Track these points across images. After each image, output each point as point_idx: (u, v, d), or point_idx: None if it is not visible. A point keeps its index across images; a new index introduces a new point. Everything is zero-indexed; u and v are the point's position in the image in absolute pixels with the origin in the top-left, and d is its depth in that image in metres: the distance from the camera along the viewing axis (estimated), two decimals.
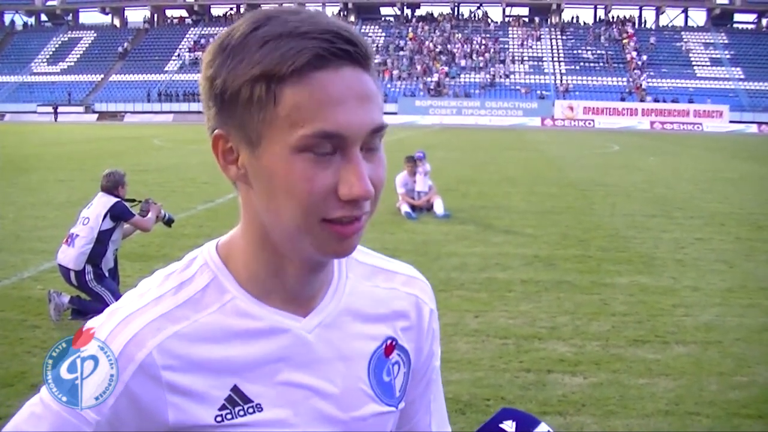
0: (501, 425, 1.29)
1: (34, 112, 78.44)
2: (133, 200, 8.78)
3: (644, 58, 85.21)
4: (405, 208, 14.97)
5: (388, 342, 1.40)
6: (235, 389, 1.24)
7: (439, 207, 15.01)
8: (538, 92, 79.94)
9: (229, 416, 1.23)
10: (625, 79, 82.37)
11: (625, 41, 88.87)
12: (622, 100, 77.56)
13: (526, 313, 8.43)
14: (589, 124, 73.45)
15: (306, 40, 1.14)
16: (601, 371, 6.68)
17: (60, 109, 79.13)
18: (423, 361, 1.49)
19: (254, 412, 1.25)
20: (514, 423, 1.29)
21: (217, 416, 1.23)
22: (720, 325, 8.13)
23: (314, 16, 1.19)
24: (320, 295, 1.34)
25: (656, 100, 77.01)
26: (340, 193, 1.15)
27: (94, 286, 8.17)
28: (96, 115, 78.95)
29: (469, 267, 10.56)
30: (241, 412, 1.24)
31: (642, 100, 77.41)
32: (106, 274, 8.35)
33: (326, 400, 1.31)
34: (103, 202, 8.39)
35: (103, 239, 8.27)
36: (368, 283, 1.41)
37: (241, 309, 1.26)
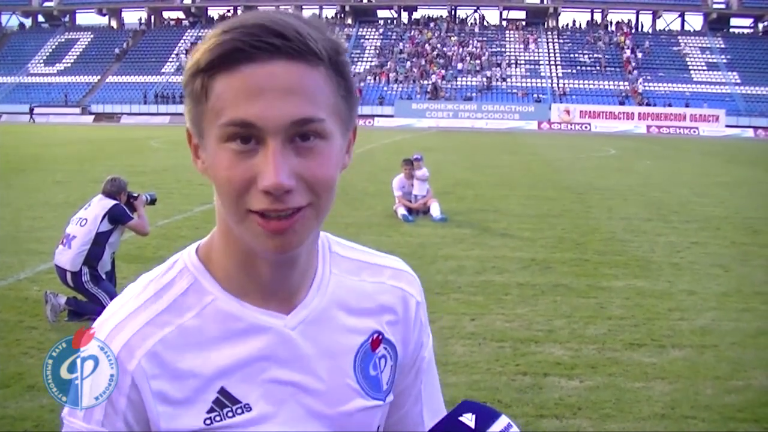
0: (460, 418, 1.28)
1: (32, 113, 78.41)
2: (136, 197, 8.77)
3: (641, 62, 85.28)
4: (402, 210, 14.96)
5: (375, 336, 1.40)
6: (222, 391, 1.25)
7: (435, 210, 15.00)
8: (535, 96, 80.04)
9: (218, 418, 1.24)
10: (621, 83, 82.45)
11: (621, 45, 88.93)
12: (621, 104, 77.61)
13: (523, 316, 8.43)
14: (586, 127, 73.54)
15: (231, 34, 1.15)
16: (598, 374, 6.68)
17: (56, 110, 79.12)
18: (411, 353, 1.49)
19: (243, 412, 1.25)
20: (474, 416, 1.28)
21: (206, 419, 1.24)
22: (716, 329, 8.13)
23: (261, 13, 1.19)
24: (303, 292, 1.33)
25: (649, 104, 77.05)
26: (259, 183, 1.15)
27: (91, 288, 8.16)
28: (92, 117, 78.87)
29: (465, 270, 10.56)
30: (230, 413, 1.25)
31: (640, 104, 77.47)
32: (103, 277, 8.34)
33: (312, 397, 1.31)
34: (102, 204, 8.38)
35: (100, 241, 8.26)
36: (354, 278, 1.41)
37: (222, 310, 1.27)
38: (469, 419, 1.27)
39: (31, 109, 76.18)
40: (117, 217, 8.36)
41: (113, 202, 8.40)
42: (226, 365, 1.25)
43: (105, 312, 1.27)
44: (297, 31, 1.16)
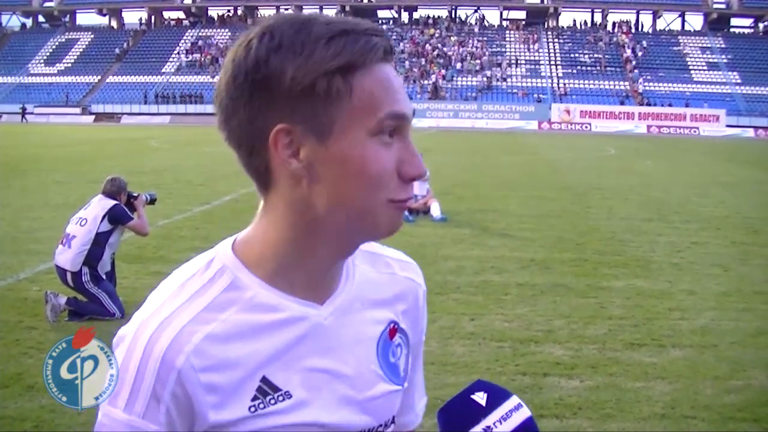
0: (473, 396, 1.34)
1: (32, 113, 78.25)
2: (135, 196, 8.77)
3: (641, 62, 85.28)
4: None
5: (392, 326, 1.48)
6: (265, 380, 1.30)
7: (435, 210, 15.01)
8: (535, 96, 79.92)
9: (261, 406, 1.29)
10: (622, 83, 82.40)
11: (622, 45, 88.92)
12: (621, 104, 77.59)
13: (523, 316, 8.43)
14: (586, 127, 73.46)
15: (371, 36, 1.26)
16: (598, 374, 6.69)
17: (57, 110, 79.06)
18: (417, 340, 1.58)
19: (284, 399, 1.31)
20: (486, 395, 1.34)
21: (250, 407, 1.28)
22: (716, 328, 8.14)
23: (353, 18, 1.31)
24: (335, 284, 1.40)
25: (649, 104, 77.07)
26: (403, 173, 1.28)
27: (91, 288, 8.16)
28: (93, 117, 78.80)
29: (465, 270, 10.57)
30: (272, 401, 1.30)
31: (641, 104, 77.47)
32: (103, 277, 8.34)
33: (344, 383, 1.37)
34: (102, 204, 8.39)
35: (100, 241, 8.27)
36: (371, 269, 1.49)
37: (263, 303, 1.31)
38: (480, 398, 1.34)
39: (24, 109, 75.99)
40: (117, 218, 8.37)
41: (113, 202, 8.41)
42: (267, 355, 1.30)
43: (144, 311, 1.30)
44: None
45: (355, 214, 1.28)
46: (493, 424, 1.32)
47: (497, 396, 1.35)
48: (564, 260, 11.34)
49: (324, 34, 1.23)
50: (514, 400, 1.35)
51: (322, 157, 1.25)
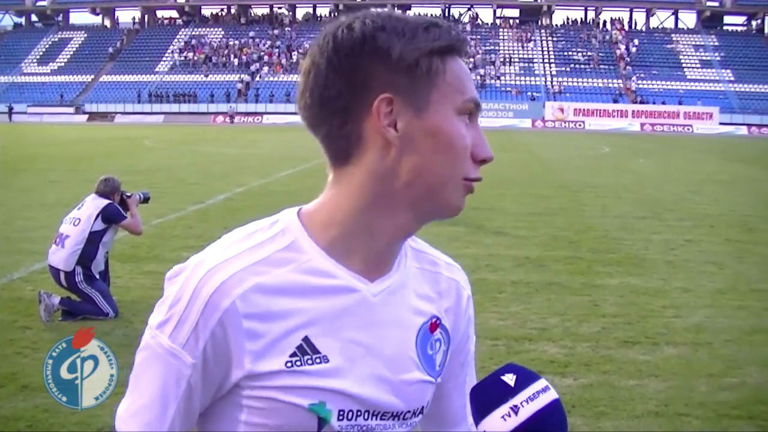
0: (502, 377, 1.40)
1: (25, 113, 78.14)
2: (129, 195, 8.76)
3: (634, 59, 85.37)
4: None
5: (433, 320, 1.52)
6: (306, 340, 1.35)
7: None
8: (529, 94, 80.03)
9: (298, 363, 1.34)
10: (615, 81, 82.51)
11: (615, 43, 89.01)
12: (615, 101, 77.68)
13: (517, 314, 8.44)
14: (580, 125, 73.58)
15: (458, 32, 1.40)
16: (591, 372, 6.69)
17: (50, 109, 78.95)
18: (459, 342, 1.60)
19: (320, 362, 1.35)
20: (515, 376, 1.40)
21: (287, 362, 1.33)
22: (710, 326, 8.15)
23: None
24: (388, 266, 1.46)
25: (643, 102, 77.17)
26: (477, 154, 1.39)
27: (84, 288, 8.14)
28: (86, 116, 78.69)
29: None
30: (309, 361, 1.34)
31: (634, 102, 77.56)
32: (97, 277, 8.32)
33: (380, 360, 1.42)
34: (95, 203, 8.37)
35: (94, 240, 8.25)
36: (419, 264, 1.55)
37: (317, 268, 1.38)
38: (510, 379, 1.39)
39: (10, 109, 75.83)
40: (110, 217, 8.35)
41: (106, 201, 8.39)
42: (312, 316, 1.35)
43: (203, 253, 1.37)
44: None
45: (434, 186, 1.37)
46: (520, 403, 1.37)
47: (525, 378, 1.40)
48: (558, 258, 11.35)
49: (420, 23, 1.37)
50: (542, 383, 1.40)
51: (416, 128, 1.35)
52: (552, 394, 1.38)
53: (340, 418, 1.37)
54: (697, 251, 12.17)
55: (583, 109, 75.79)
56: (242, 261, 1.34)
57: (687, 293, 9.48)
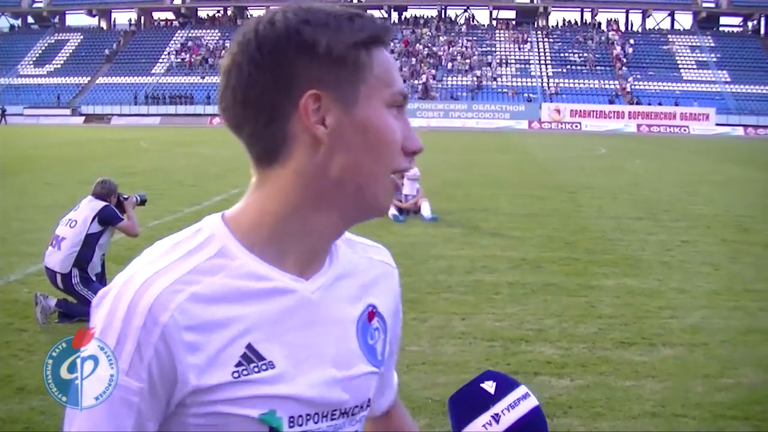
0: (482, 385, 1.39)
1: (21, 115, 78.10)
2: (126, 198, 8.76)
3: (630, 61, 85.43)
4: (392, 210, 14.92)
5: (370, 309, 1.50)
6: (250, 347, 1.30)
7: (426, 210, 15.01)
8: (525, 95, 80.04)
9: (245, 372, 1.29)
10: (611, 82, 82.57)
11: (611, 44, 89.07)
12: (611, 103, 77.73)
13: (513, 315, 8.44)
14: (576, 126, 73.60)
15: (383, 22, 1.38)
16: (588, 373, 6.70)
17: (47, 111, 78.89)
18: (394, 322, 1.59)
19: (267, 369, 1.31)
20: (495, 383, 1.39)
21: (233, 372, 1.28)
22: (706, 327, 8.16)
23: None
24: (321, 261, 1.43)
25: (639, 103, 77.23)
26: (409, 146, 1.39)
27: (81, 290, 8.14)
28: (83, 118, 78.65)
29: (456, 270, 10.57)
30: (256, 369, 1.30)
31: (630, 103, 77.60)
32: (93, 279, 8.32)
33: (326, 359, 1.38)
34: (91, 206, 8.36)
35: (90, 242, 8.24)
36: (351, 253, 1.52)
37: (250, 272, 1.33)
38: (489, 386, 1.39)
39: (3, 111, 75.70)
40: (107, 219, 8.35)
41: (103, 203, 8.38)
42: (253, 322, 1.30)
43: (128, 270, 1.31)
44: None
45: (364, 184, 1.34)
46: (501, 411, 1.36)
47: (506, 385, 1.39)
48: (554, 259, 11.36)
49: (343, 14, 1.33)
50: (522, 390, 1.39)
51: (346, 124, 1.32)
52: (532, 401, 1.37)
53: (291, 424, 1.33)
54: (692, 252, 12.18)
55: (580, 111, 75.80)
56: (173, 272, 1.28)
57: (683, 294, 9.50)
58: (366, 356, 1.46)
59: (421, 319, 8.20)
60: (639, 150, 41.09)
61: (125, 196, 8.76)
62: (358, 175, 1.33)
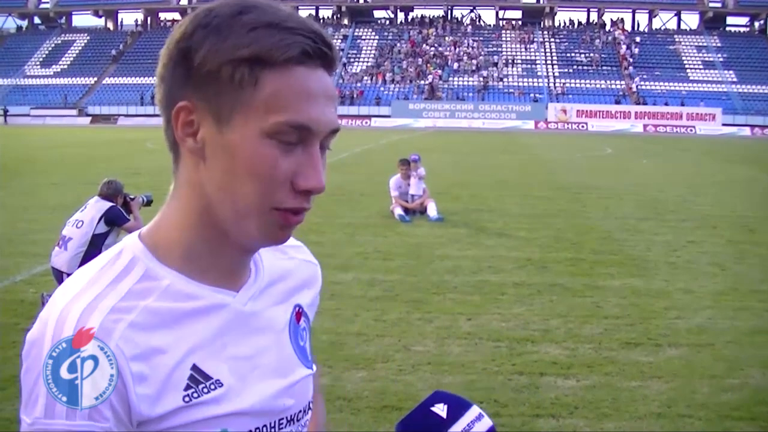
0: (432, 408, 1.32)
1: (27, 115, 78.27)
2: (132, 198, 8.77)
3: (637, 61, 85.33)
4: (398, 211, 14.96)
5: (297, 309, 1.49)
6: (195, 368, 1.26)
7: (432, 210, 15.01)
8: (532, 95, 80.00)
9: (195, 395, 1.25)
10: (618, 82, 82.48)
11: (618, 44, 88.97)
12: (617, 103, 77.65)
13: (519, 315, 8.44)
14: (583, 127, 73.57)
15: (294, 34, 1.21)
16: (594, 374, 6.69)
17: (53, 112, 79.04)
18: (313, 315, 1.59)
19: (216, 388, 1.27)
20: (446, 406, 1.32)
21: (184, 396, 1.24)
22: (712, 327, 8.15)
23: (296, 14, 1.26)
24: (246, 271, 1.39)
25: (645, 103, 77.12)
26: (297, 183, 1.23)
27: None
28: (89, 119, 78.79)
29: (461, 270, 10.57)
30: (205, 390, 1.26)
31: (637, 103, 77.51)
32: None
33: (268, 369, 1.36)
34: (98, 206, 8.37)
35: (96, 243, 8.25)
36: (275, 257, 1.48)
37: (180, 291, 1.28)
38: (441, 409, 1.31)
39: (5, 111, 75.83)
40: (113, 219, 8.36)
41: (109, 204, 8.40)
42: (193, 342, 1.27)
43: (57, 304, 1.23)
44: (333, 42, 1.27)
45: (236, 213, 1.25)
46: None
47: (458, 407, 1.33)
48: (560, 260, 11.35)
49: (251, 23, 1.21)
50: (474, 411, 1.32)
51: (216, 142, 1.24)
52: (487, 422, 1.31)
53: None
54: (699, 252, 12.16)
55: (586, 111, 75.77)
56: (106, 301, 1.22)
57: (689, 294, 9.48)
58: (300, 359, 1.45)
59: (427, 319, 8.20)
60: (645, 150, 41.03)
61: (131, 197, 8.77)
62: (231, 201, 1.24)
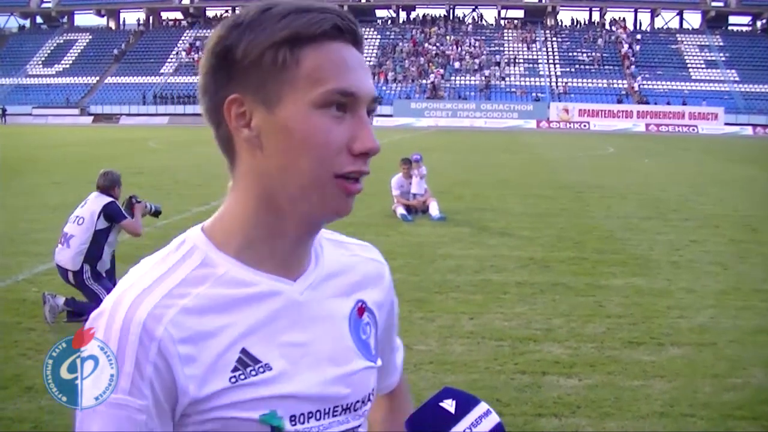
0: (441, 404, 1.36)
1: (30, 114, 78.34)
2: (138, 201, 8.79)
3: (639, 60, 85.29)
4: (400, 210, 14.96)
5: (359, 305, 1.51)
6: (244, 351, 1.31)
7: (434, 209, 14.99)
8: (534, 95, 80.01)
9: (242, 377, 1.30)
10: (620, 81, 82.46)
11: (620, 43, 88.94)
12: (620, 102, 77.63)
13: (522, 315, 8.43)
14: (585, 126, 73.54)
15: (324, 13, 1.32)
16: (596, 373, 6.69)
17: (55, 111, 79.10)
18: (387, 314, 1.61)
19: (264, 371, 1.32)
20: (455, 402, 1.36)
21: (231, 378, 1.30)
22: (714, 326, 8.14)
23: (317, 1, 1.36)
24: (305, 263, 1.44)
25: (647, 103, 77.11)
26: (354, 147, 1.31)
27: (91, 284, 8.18)
28: (91, 118, 78.84)
29: (464, 269, 10.57)
30: (253, 372, 1.31)
31: (639, 103, 77.48)
32: (103, 275, 8.34)
33: (322, 357, 1.40)
34: (98, 201, 8.38)
35: (98, 239, 8.26)
36: (338, 253, 1.54)
37: (235, 278, 1.35)
38: (449, 405, 1.36)
39: (3, 110, 75.88)
40: (111, 215, 8.35)
41: (108, 199, 8.40)
42: (244, 328, 1.32)
43: (116, 291, 1.32)
44: (357, 23, 1.39)
45: (304, 186, 1.31)
46: (463, 431, 1.34)
47: (466, 403, 1.37)
48: (563, 259, 11.34)
49: (281, 12, 1.30)
50: (483, 407, 1.37)
51: (270, 125, 1.31)
52: (494, 418, 1.36)
53: (293, 423, 1.34)
54: (701, 252, 12.15)
55: (588, 110, 75.74)
56: (162, 287, 1.30)
57: (691, 294, 9.47)
58: (361, 351, 1.47)
59: (429, 318, 8.20)
60: (647, 149, 41.02)
61: (138, 200, 8.78)
62: (297, 177, 1.31)
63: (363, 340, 1.49)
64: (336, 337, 1.43)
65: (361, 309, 1.51)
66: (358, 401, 1.45)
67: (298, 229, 1.37)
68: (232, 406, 1.29)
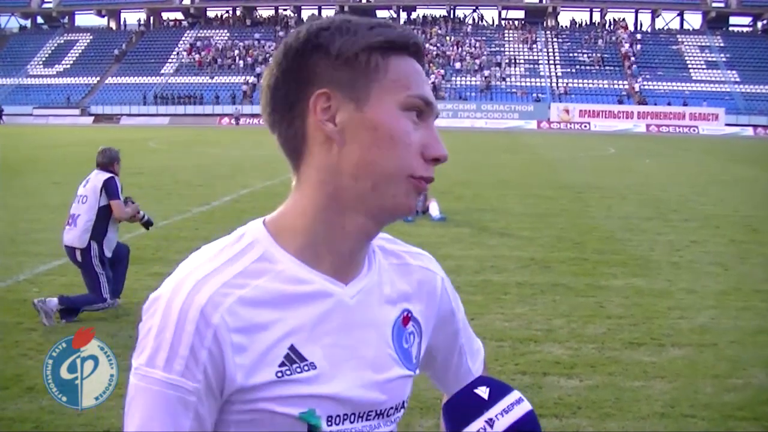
0: (475, 390, 1.42)
1: (30, 115, 78.34)
2: (133, 202, 8.84)
3: (639, 60, 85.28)
4: None
5: (405, 314, 1.54)
6: (292, 348, 1.36)
7: (434, 210, 14.99)
8: (534, 95, 79.97)
9: (288, 372, 1.34)
10: (620, 82, 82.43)
11: (620, 43, 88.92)
12: (620, 103, 77.61)
13: (522, 315, 8.43)
14: (585, 127, 73.53)
15: (407, 31, 1.43)
16: (597, 374, 6.69)
17: (56, 111, 79.10)
18: (437, 323, 1.65)
19: (309, 369, 1.36)
20: (488, 389, 1.42)
21: (277, 372, 1.34)
22: (715, 327, 8.14)
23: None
24: (359, 267, 1.48)
25: (648, 103, 77.10)
26: (428, 153, 1.40)
27: (96, 265, 8.26)
28: (92, 118, 78.84)
29: (464, 270, 10.56)
30: (298, 369, 1.35)
31: (640, 103, 77.47)
32: (109, 255, 8.39)
33: (363, 362, 1.44)
34: (98, 177, 8.57)
35: (103, 215, 8.37)
36: (388, 260, 1.57)
37: (293, 275, 1.39)
38: (483, 392, 1.42)
39: (0, 110, 75.88)
40: (108, 189, 8.47)
41: (108, 175, 8.62)
42: (295, 324, 1.36)
43: (176, 275, 1.36)
44: None
45: (379, 182, 1.37)
46: (495, 416, 1.39)
47: (499, 390, 1.43)
48: (563, 259, 11.34)
49: (367, 23, 1.40)
50: (515, 395, 1.42)
51: (357, 121, 1.37)
52: (526, 406, 1.40)
53: (329, 423, 1.38)
54: (702, 252, 12.15)
55: (589, 111, 75.71)
56: (221, 276, 1.34)
57: (692, 294, 9.47)
58: (401, 360, 1.51)
59: None
60: (648, 150, 41.01)
61: (133, 201, 8.86)
62: (372, 173, 1.37)
63: (405, 349, 1.53)
64: (379, 343, 1.47)
65: (407, 318, 1.54)
66: (392, 408, 1.49)
67: (361, 229, 1.42)
68: (274, 399, 1.33)
